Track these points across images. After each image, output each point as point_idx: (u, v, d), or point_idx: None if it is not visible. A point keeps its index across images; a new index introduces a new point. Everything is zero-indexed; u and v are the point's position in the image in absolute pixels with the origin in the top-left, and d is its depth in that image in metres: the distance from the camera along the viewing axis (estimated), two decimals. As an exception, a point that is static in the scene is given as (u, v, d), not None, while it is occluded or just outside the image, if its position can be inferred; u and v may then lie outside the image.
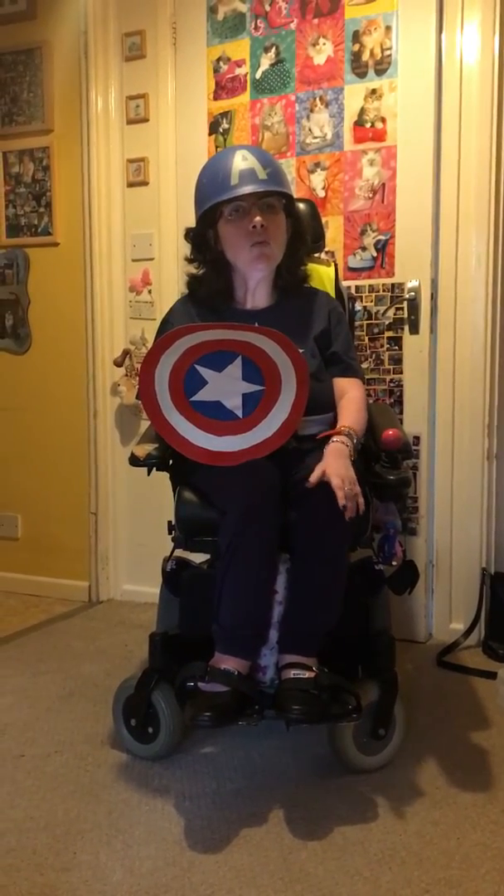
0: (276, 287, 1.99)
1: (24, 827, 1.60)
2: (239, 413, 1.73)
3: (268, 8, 2.71)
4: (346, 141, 2.63)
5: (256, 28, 2.73)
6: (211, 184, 1.87)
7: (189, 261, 2.02)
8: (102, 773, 1.81)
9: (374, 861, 1.48)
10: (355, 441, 1.79)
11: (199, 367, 1.69)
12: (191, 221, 2.01)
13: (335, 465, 1.68)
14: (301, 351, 1.74)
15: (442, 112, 2.51)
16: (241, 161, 1.84)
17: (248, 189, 1.82)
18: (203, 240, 1.95)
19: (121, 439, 3.09)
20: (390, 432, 1.80)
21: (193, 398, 1.71)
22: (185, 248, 2.05)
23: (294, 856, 1.50)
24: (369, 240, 2.62)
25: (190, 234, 1.99)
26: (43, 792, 1.73)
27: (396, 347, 2.62)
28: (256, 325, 1.90)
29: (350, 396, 1.93)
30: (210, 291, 1.98)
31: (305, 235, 2.06)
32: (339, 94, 2.63)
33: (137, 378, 2.86)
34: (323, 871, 1.46)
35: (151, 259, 2.97)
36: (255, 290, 1.97)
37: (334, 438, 1.76)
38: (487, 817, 1.62)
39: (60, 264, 3.10)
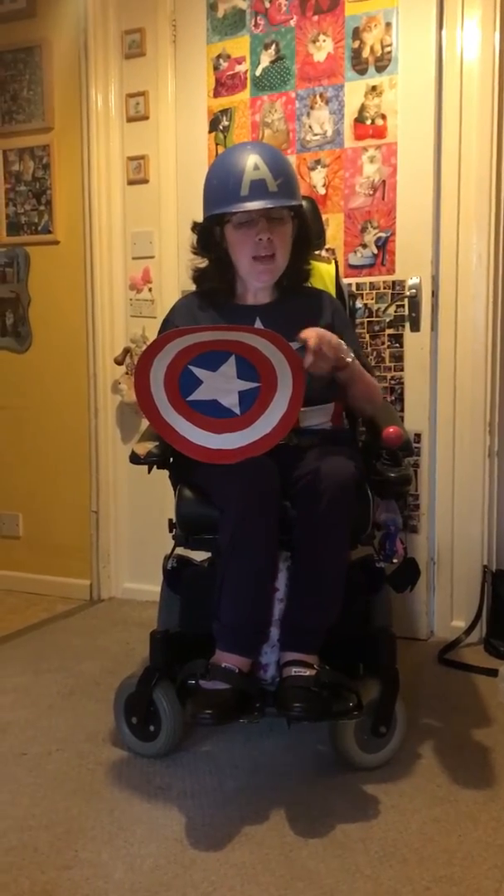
0: (278, 285, 1.99)
1: (26, 825, 1.60)
2: (236, 410, 1.72)
3: (268, 5, 2.70)
4: (347, 138, 2.62)
5: (256, 25, 2.73)
6: (221, 188, 1.85)
7: (194, 252, 2.02)
8: (103, 771, 1.81)
9: (376, 859, 1.48)
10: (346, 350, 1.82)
11: (193, 368, 1.68)
12: (192, 217, 2.00)
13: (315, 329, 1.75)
14: (297, 346, 1.73)
15: (442, 109, 2.50)
16: (253, 170, 1.81)
17: (256, 205, 1.81)
18: (209, 235, 1.95)
19: (122, 437, 3.09)
20: (391, 429, 1.79)
21: (190, 398, 1.71)
22: (186, 246, 2.04)
23: (295, 853, 1.50)
24: (370, 237, 2.62)
25: (197, 228, 1.99)
26: (44, 790, 1.73)
27: (397, 345, 2.61)
28: (258, 319, 1.91)
29: None
30: (213, 288, 1.99)
31: (311, 238, 2.06)
32: (340, 91, 2.62)
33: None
34: (324, 868, 1.46)
35: (152, 257, 2.97)
36: (258, 289, 1.97)
37: None
38: (489, 814, 1.62)
39: (61, 262, 3.10)
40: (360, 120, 2.60)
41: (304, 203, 2.13)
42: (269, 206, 1.83)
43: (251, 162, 1.82)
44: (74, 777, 1.79)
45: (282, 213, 1.88)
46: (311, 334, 1.72)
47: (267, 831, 1.57)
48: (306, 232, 2.01)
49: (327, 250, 2.36)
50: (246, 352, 1.66)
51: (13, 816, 1.63)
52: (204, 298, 2.00)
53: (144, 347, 2.94)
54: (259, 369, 1.68)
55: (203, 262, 2.01)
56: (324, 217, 2.43)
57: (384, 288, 2.61)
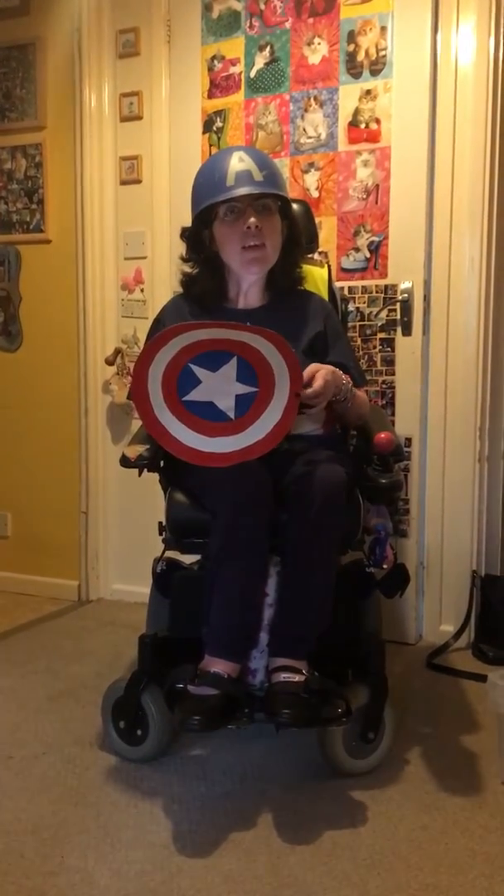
0: (270, 288, 1.98)
1: (12, 829, 1.59)
2: (231, 414, 1.71)
3: (263, 7, 2.70)
4: (341, 141, 2.62)
5: (251, 27, 2.72)
6: (207, 184, 1.87)
7: (184, 260, 2.02)
8: (91, 775, 1.80)
9: (363, 866, 1.48)
10: (347, 389, 1.86)
11: (193, 367, 1.67)
12: (184, 220, 2.00)
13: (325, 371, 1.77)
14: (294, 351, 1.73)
15: (436, 113, 2.50)
16: (238, 162, 1.83)
17: (243, 190, 1.82)
18: (198, 239, 1.95)
19: (112, 438, 3.08)
20: (382, 435, 1.79)
21: (186, 398, 1.70)
22: (179, 247, 2.04)
23: (283, 860, 1.50)
24: (363, 241, 2.62)
25: (185, 234, 1.99)
26: (30, 794, 1.72)
27: (389, 349, 2.61)
28: (248, 324, 1.90)
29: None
30: (203, 290, 1.98)
31: (300, 238, 2.06)
32: (334, 94, 2.62)
33: (130, 376, 2.85)
34: (311, 875, 1.45)
35: (144, 257, 2.96)
36: (248, 290, 1.97)
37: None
38: (476, 822, 1.62)
39: (52, 262, 3.09)
40: (354, 123, 2.60)
41: (296, 206, 2.13)
42: (256, 192, 1.83)
43: (236, 156, 1.85)
44: (61, 781, 1.78)
45: (269, 204, 1.88)
46: (318, 384, 1.74)
47: (254, 838, 1.57)
48: (296, 233, 2.01)
49: (320, 254, 2.36)
50: (248, 354, 1.65)
51: (-1, 821, 1.62)
52: (194, 302, 2.00)
53: (136, 348, 2.93)
54: (258, 374, 1.67)
55: (191, 270, 2.01)
56: (317, 220, 2.43)
57: (376, 292, 2.61)
